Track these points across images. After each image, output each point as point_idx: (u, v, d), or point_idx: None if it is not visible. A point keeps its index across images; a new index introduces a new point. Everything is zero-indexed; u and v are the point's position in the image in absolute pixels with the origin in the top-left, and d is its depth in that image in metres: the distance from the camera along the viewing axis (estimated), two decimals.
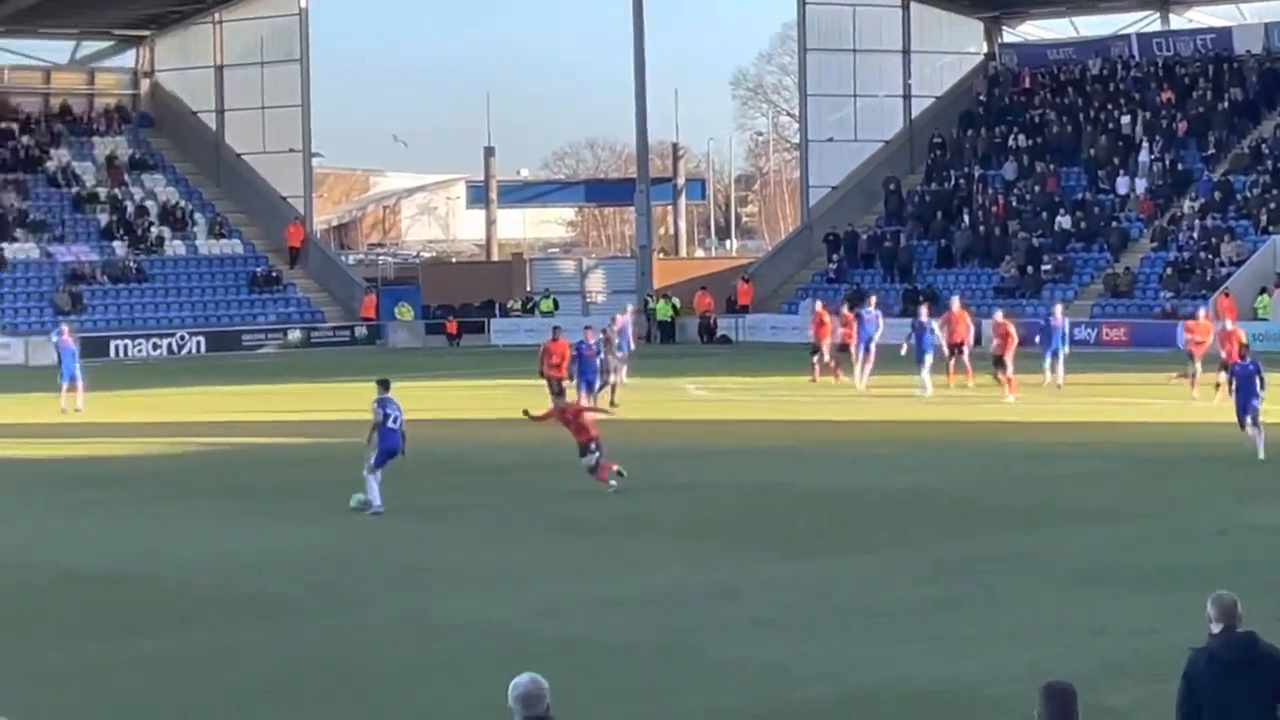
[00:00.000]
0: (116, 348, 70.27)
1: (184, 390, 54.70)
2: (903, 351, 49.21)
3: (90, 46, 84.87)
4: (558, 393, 33.57)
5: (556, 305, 78.73)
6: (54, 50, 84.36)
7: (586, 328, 47.28)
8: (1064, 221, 73.10)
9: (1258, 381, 33.53)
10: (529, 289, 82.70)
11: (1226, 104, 74.97)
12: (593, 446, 30.60)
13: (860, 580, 22.87)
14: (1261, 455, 32.84)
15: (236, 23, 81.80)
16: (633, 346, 51.74)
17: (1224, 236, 68.36)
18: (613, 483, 30.20)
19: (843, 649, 19.18)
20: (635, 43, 78.90)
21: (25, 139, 79.69)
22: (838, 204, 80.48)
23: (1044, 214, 73.91)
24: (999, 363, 46.71)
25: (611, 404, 43.96)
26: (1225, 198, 70.59)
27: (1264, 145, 72.23)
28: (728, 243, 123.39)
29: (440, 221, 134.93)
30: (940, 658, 18.63)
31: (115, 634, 20.61)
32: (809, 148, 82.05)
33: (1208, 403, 42.07)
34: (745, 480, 32.49)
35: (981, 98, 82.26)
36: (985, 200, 76.45)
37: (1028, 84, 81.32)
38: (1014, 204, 75.51)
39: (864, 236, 77.88)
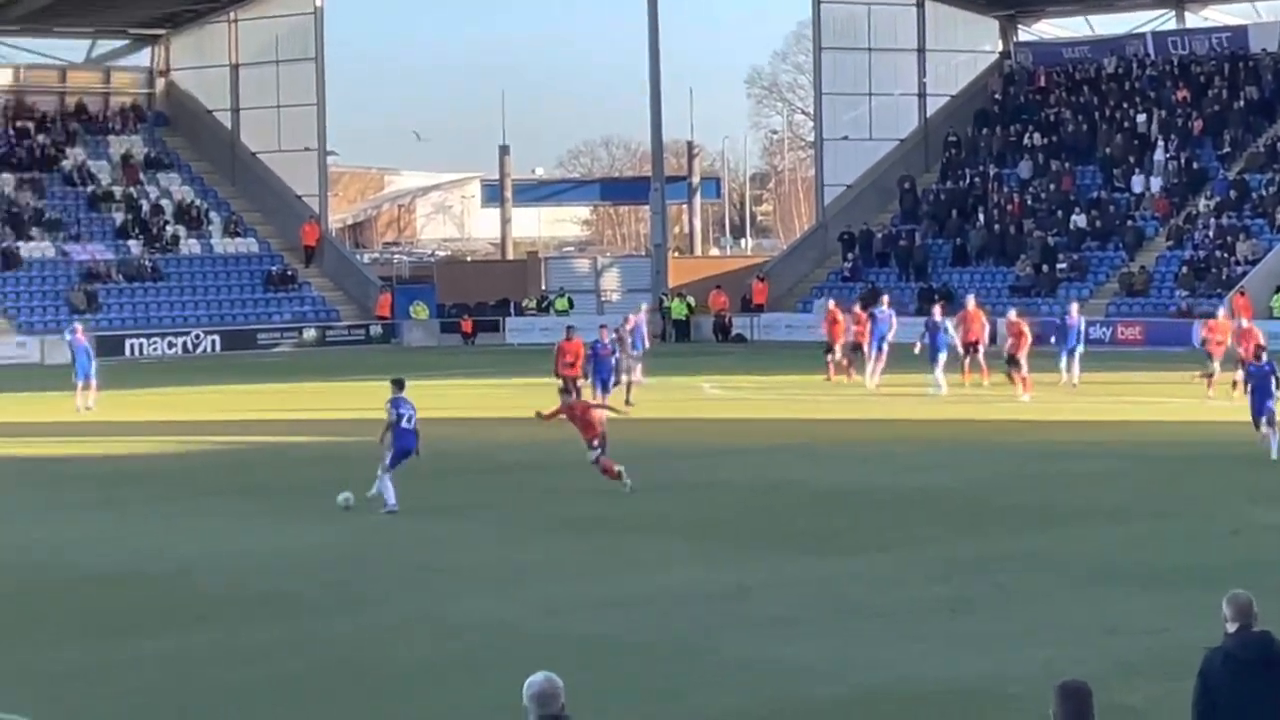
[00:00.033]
0: (131, 346, 70.38)
1: (199, 389, 54.77)
2: (916, 350, 49.22)
3: (106, 45, 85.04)
4: (565, 390, 33.60)
5: (571, 304, 78.74)
6: (70, 49, 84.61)
7: (601, 326, 47.29)
8: (1079, 220, 73.05)
9: (1272, 382, 33.53)
10: (544, 288, 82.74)
11: (1242, 102, 74.89)
12: (595, 443, 30.60)
13: (873, 579, 22.88)
14: (1275, 456, 32.80)
15: (251, 21, 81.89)
16: (647, 345, 51.70)
17: (1239, 235, 68.29)
18: (627, 480, 30.20)
19: (856, 648, 19.19)
20: (650, 41, 78.93)
21: (41, 138, 79.83)
22: (853, 203, 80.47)
23: (1059, 212, 73.86)
24: (1013, 361, 46.69)
25: (627, 403, 43.96)
26: (1241, 196, 70.51)
27: (1279, 144, 72.15)
28: (742, 241, 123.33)
29: (455, 220, 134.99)
30: (954, 657, 18.64)
31: (129, 632, 20.64)
32: (824, 146, 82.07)
33: (1225, 402, 42.01)
34: (758, 479, 32.49)
35: (996, 96, 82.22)
36: (1000, 199, 76.40)
37: (1043, 82, 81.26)
38: (1029, 202, 75.47)
39: (879, 235, 77.86)
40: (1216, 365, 45.44)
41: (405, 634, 20.31)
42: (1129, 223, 72.22)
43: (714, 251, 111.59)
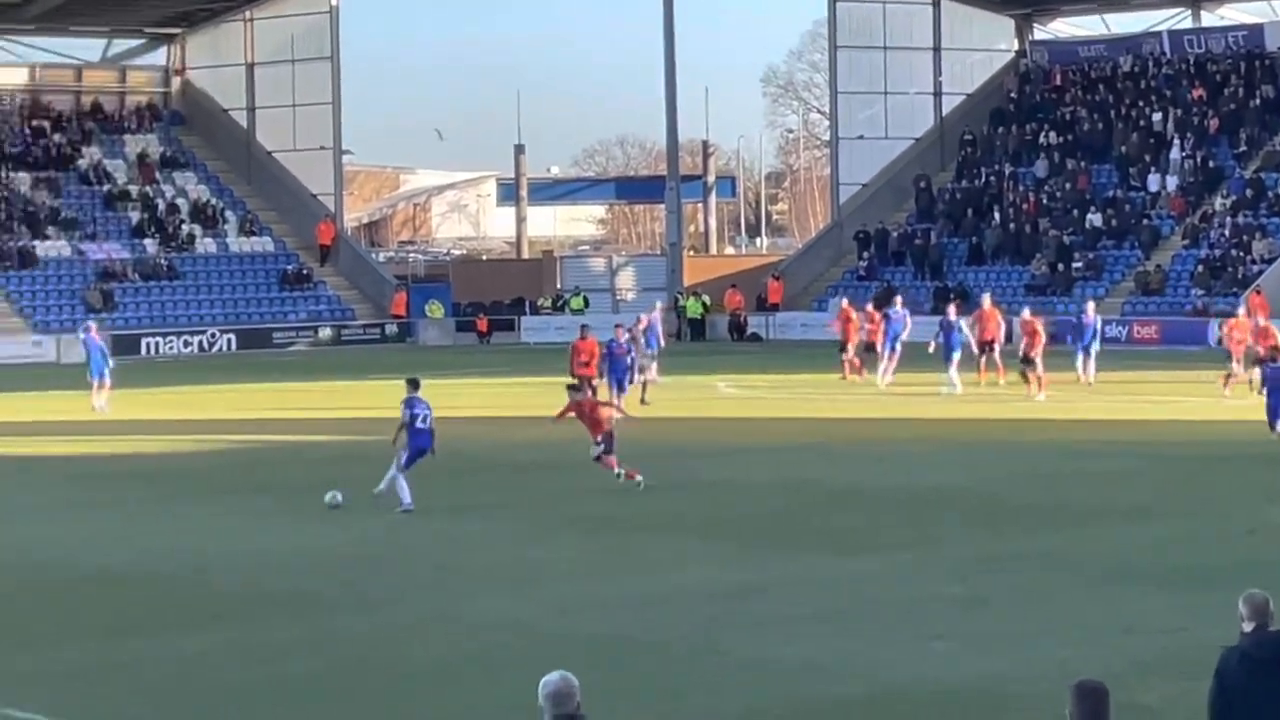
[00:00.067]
0: (147, 345, 70.49)
1: (215, 388, 54.86)
2: (930, 349, 49.20)
3: (121, 44, 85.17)
4: (576, 388, 33.63)
5: (587, 303, 78.72)
6: (85, 48, 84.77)
7: (617, 325, 47.28)
8: (1095, 219, 72.97)
9: None
10: (559, 286, 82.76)
11: (1258, 101, 74.78)
12: (599, 440, 30.61)
13: (888, 579, 22.87)
14: None
15: (267, 20, 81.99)
16: (662, 344, 51.73)
17: (1255, 234, 68.20)
18: (639, 478, 30.21)
19: (872, 647, 19.18)
20: (665, 40, 78.96)
21: (57, 137, 79.97)
22: (868, 201, 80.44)
23: (1075, 211, 73.79)
24: (1027, 361, 46.65)
25: (642, 402, 43.99)
26: (1257, 195, 70.41)
27: None
28: (758, 240, 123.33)
29: (471, 219, 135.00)
30: (970, 656, 18.64)
31: (146, 632, 20.67)
32: (839, 145, 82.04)
33: (1241, 400, 41.92)
34: (773, 478, 32.49)
35: (1012, 95, 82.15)
36: (1016, 198, 76.34)
37: (1059, 81, 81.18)
38: (1045, 201, 75.40)
39: (894, 234, 77.82)
40: (1236, 365, 45.39)
41: (421, 633, 20.34)
42: (1144, 221, 72.13)
43: (729, 250, 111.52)
